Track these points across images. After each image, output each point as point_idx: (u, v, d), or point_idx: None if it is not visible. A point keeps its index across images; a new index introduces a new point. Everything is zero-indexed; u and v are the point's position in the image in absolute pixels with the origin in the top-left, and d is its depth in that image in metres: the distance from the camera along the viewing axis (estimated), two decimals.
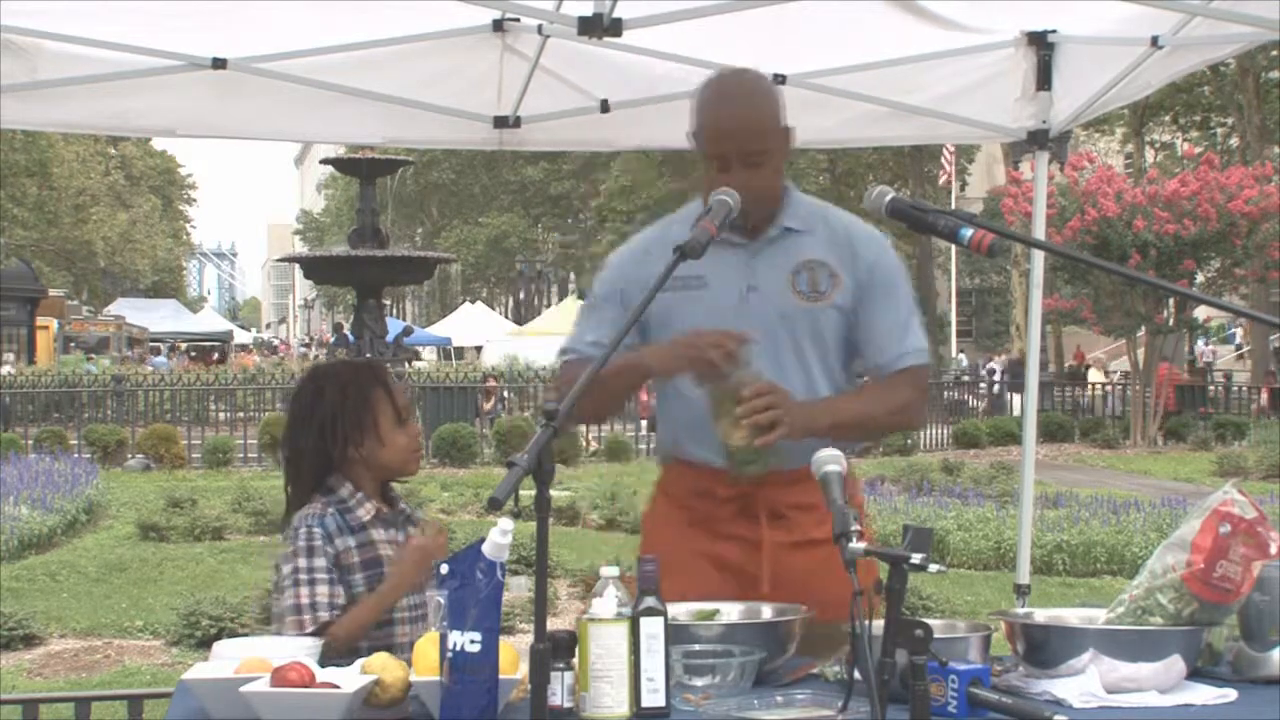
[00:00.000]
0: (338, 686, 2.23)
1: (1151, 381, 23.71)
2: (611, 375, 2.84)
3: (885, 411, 2.97)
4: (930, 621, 2.12)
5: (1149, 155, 37.58)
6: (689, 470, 3.02)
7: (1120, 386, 27.75)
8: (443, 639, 2.16)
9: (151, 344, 49.42)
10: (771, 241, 2.95)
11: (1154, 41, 4.00)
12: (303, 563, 2.88)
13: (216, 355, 48.44)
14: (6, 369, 30.06)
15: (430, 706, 2.23)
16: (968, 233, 2.43)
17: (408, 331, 29.39)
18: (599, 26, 3.34)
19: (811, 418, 2.80)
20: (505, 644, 2.20)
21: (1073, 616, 2.60)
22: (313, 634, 2.79)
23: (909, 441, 20.83)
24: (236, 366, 34.13)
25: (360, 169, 26.63)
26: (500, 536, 2.12)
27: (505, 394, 24.33)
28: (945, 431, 23.19)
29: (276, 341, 76.89)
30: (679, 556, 2.98)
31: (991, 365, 34.53)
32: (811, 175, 38.40)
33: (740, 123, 2.86)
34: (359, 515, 2.97)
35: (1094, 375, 31.36)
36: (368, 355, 24.09)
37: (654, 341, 2.96)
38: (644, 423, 23.26)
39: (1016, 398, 26.32)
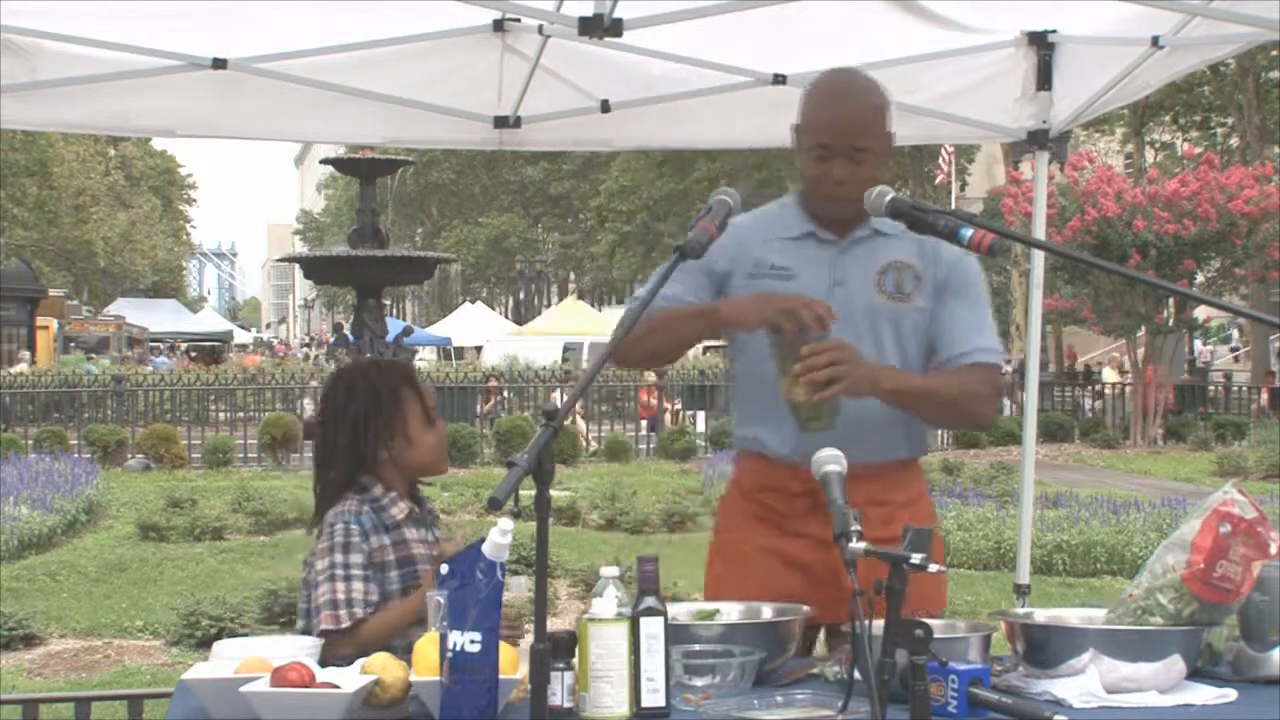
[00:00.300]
0: (338, 686, 2.23)
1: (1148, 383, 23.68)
2: (683, 319, 2.90)
3: (953, 392, 2.95)
4: (930, 621, 2.13)
5: (1149, 155, 37.57)
6: (760, 463, 3.06)
7: (1123, 386, 27.72)
8: (443, 639, 2.16)
9: (151, 344, 49.38)
10: (859, 241, 2.99)
11: (1154, 41, 4.00)
12: (339, 558, 2.88)
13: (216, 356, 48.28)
14: (22, 366, 29.97)
15: (430, 706, 2.23)
16: (968, 233, 2.43)
17: (408, 331, 29.30)
18: (599, 26, 3.34)
19: (876, 379, 2.81)
20: (505, 644, 2.21)
21: (1073, 616, 2.60)
22: (346, 630, 2.80)
23: None
24: (236, 367, 34.01)
25: (360, 169, 26.53)
26: (500, 536, 2.12)
27: (504, 394, 24.30)
28: (945, 431, 23.14)
29: (275, 342, 76.74)
30: (747, 552, 3.05)
31: None
32: None
33: (853, 118, 2.91)
34: (393, 514, 2.99)
35: (1109, 375, 31.19)
36: (381, 355, 24.15)
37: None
38: (644, 423, 23.29)
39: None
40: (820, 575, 2.93)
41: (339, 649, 2.68)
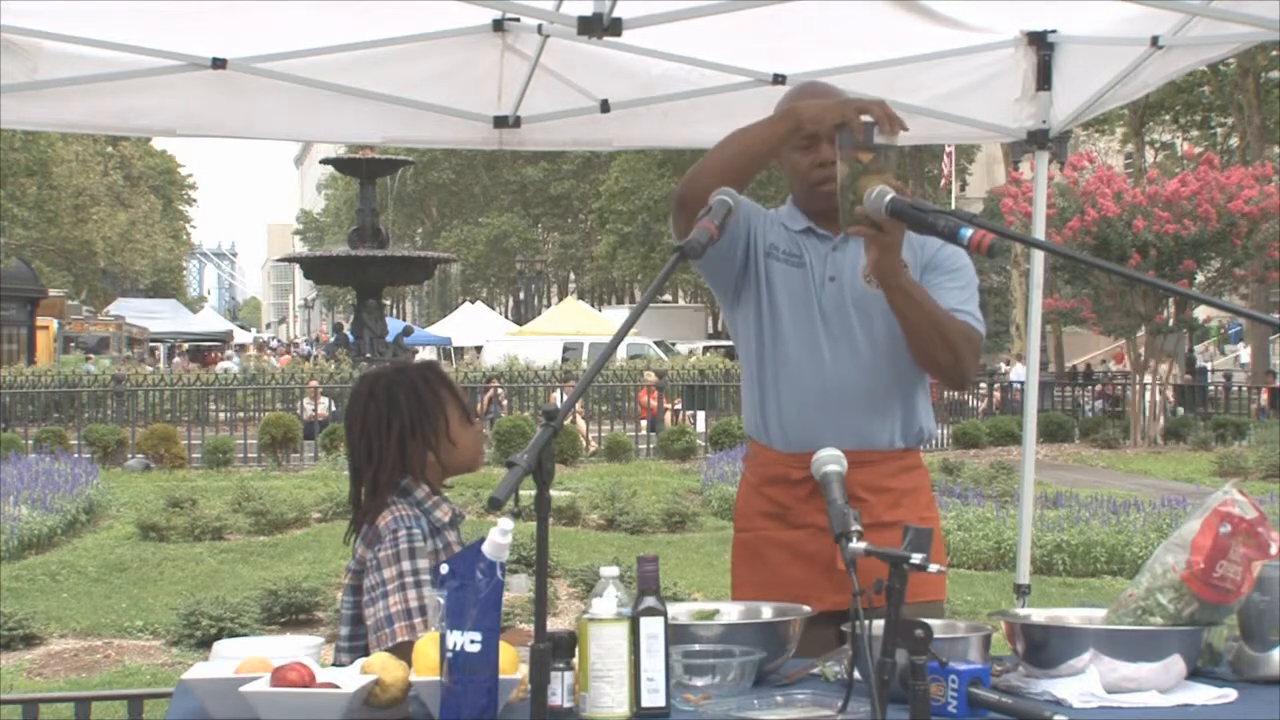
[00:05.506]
0: (338, 686, 2.23)
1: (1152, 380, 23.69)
2: (761, 125, 2.96)
3: (942, 315, 2.93)
4: (930, 621, 2.13)
5: (1149, 155, 37.58)
6: (763, 452, 3.14)
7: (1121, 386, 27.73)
8: (443, 639, 2.16)
9: (151, 343, 49.34)
10: (849, 238, 3.04)
11: (1154, 41, 4.00)
12: (406, 565, 2.85)
13: (214, 355, 48.20)
14: (229, 365, 29.63)
15: (430, 706, 2.23)
16: (968, 233, 2.42)
17: (408, 331, 29.38)
18: (599, 26, 3.34)
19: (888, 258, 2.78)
20: (505, 644, 2.20)
21: (1073, 616, 2.60)
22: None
23: None
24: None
25: (360, 169, 26.68)
26: (500, 536, 2.12)
27: (498, 394, 24.28)
28: (945, 431, 23.18)
29: (275, 342, 76.53)
30: (758, 545, 3.14)
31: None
32: None
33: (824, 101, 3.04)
34: (438, 516, 2.98)
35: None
36: (382, 355, 24.14)
37: (762, 295, 3.09)
38: (644, 423, 23.29)
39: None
40: (828, 562, 2.96)
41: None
